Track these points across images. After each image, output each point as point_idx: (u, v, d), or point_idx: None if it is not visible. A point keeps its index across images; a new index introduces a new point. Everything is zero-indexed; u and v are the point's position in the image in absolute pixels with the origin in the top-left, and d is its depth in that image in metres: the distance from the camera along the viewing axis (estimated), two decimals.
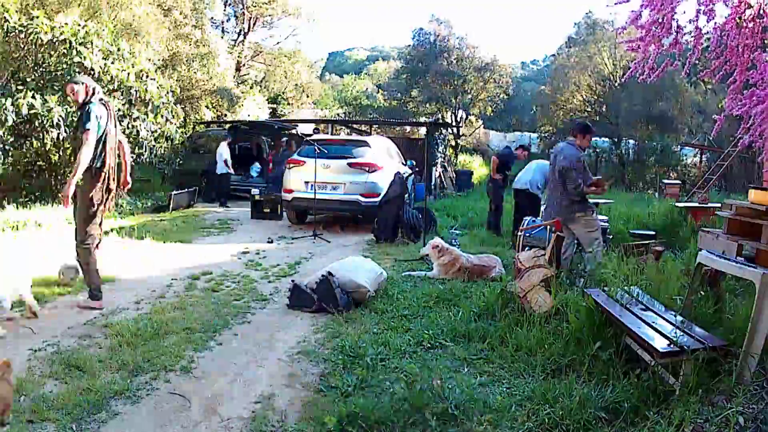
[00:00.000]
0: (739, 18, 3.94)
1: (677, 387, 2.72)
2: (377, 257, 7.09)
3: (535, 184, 7.86)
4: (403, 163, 10.50)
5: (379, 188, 8.67)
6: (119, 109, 10.01)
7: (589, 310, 3.49)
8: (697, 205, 8.08)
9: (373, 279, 4.89)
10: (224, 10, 23.26)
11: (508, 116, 29.53)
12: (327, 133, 17.48)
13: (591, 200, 6.24)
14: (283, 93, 25.51)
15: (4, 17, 8.90)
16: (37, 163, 10.66)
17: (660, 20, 3.97)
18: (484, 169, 19.28)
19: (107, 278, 5.43)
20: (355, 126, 20.57)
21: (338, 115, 26.69)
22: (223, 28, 23.49)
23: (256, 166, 14.03)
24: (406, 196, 8.47)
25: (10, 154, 8.49)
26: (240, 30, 23.69)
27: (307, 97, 26.37)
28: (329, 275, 4.63)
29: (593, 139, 23.83)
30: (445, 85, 23.39)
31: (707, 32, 4.07)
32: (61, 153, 10.48)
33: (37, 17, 9.02)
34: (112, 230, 7.95)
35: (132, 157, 10.39)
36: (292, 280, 4.97)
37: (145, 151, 10.43)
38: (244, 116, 20.95)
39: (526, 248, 6.14)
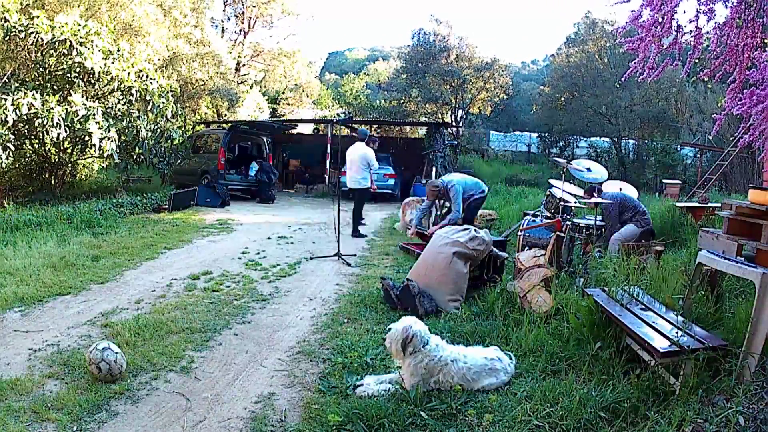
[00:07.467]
0: (739, 18, 3.94)
1: (677, 387, 2.72)
2: (377, 257, 7.10)
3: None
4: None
5: None
6: (119, 109, 10.04)
7: (589, 310, 3.49)
8: (697, 205, 8.07)
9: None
10: (224, 10, 23.26)
11: (508, 116, 29.50)
12: (326, 134, 17.48)
13: (592, 199, 6.24)
14: (283, 93, 25.50)
15: (4, 17, 8.90)
16: (37, 162, 10.67)
17: (660, 20, 3.97)
18: (485, 169, 19.29)
19: (107, 278, 5.45)
20: (355, 126, 20.56)
21: (338, 114, 26.67)
22: (223, 28, 23.47)
23: (255, 166, 14.02)
24: None
25: (9, 153, 8.48)
26: (240, 30, 23.69)
27: (307, 96, 26.36)
28: (408, 281, 4.66)
29: (593, 138, 23.52)
30: (445, 84, 23.38)
31: (707, 32, 4.07)
32: (61, 153, 10.50)
33: (37, 17, 9.02)
34: (112, 230, 7.96)
35: (132, 156, 10.46)
36: (382, 278, 5.04)
37: (145, 151, 10.44)
38: (244, 116, 20.96)
39: (526, 248, 6.15)
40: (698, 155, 17.67)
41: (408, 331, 3.05)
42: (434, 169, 14.50)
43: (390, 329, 3.15)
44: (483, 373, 3.12)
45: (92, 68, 9.26)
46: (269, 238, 8.26)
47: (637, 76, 4.25)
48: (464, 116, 25.40)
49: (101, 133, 8.98)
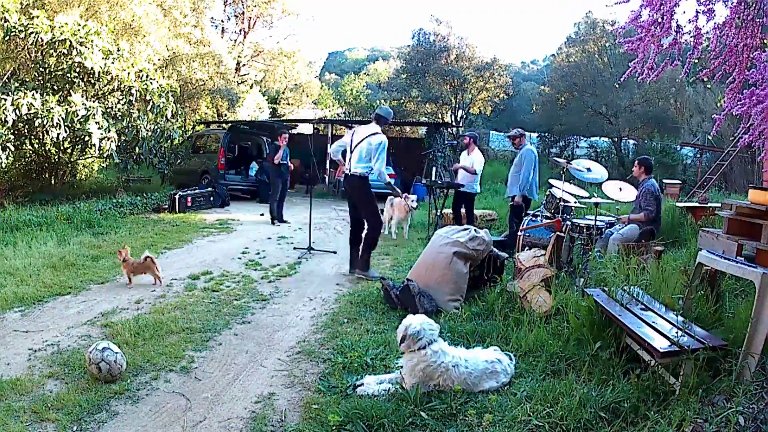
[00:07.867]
0: (739, 18, 3.94)
1: (677, 387, 2.72)
2: (377, 257, 7.10)
3: None
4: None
5: None
6: (119, 109, 10.04)
7: (589, 310, 3.49)
8: (697, 204, 8.06)
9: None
10: (224, 10, 23.25)
11: (508, 116, 29.46)
12: (327, 134, 17.48)
13: (592, 199, 6.25)
14: (283, 93, 25.51)
15: (4, 17, 8.89)
16: (37, 162, 10.67)
17: (659, 20, 3.97)
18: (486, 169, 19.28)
19: (107, 278, 5.45)
20: (354, 125, 20.53)
21: (338, 114, 26.66)
22: (223, 28, 23.47)
23: (255, 166, 14.01)
24: None
25: (9, 153, 8.48)
26: (240, 30, 23.69)
27: (307, 96, 26.36)
28: (408, 281, 4.67)
29: (593, 138, 23.52)
30: (445, 84, 23.37)
31: (707, 32, 4.07)
32: (61, 153, 10.50)
33: (37, 17, 9.02)
34: (112, 230, 7.96)
35: (132, 156, 10.46)
36: (382, 278, 5.07)
37: (145, 151, 10.44)
38: (244, 116, 20.96)
39: (526, 248, 6.15)
40: (698, 155, 17.67)
41: (418, 328, 3.11)
42: (434, 169, 14.49)
43: (402, 323, 3.19)
44: (483, 376, 3.12)
45: (92, 68, 9.26)
46: (269, 238, 8.27)
47: (637, 76, 4.25)
48: (464, 116, 25.38)
49: (101, 133, 8.98)
